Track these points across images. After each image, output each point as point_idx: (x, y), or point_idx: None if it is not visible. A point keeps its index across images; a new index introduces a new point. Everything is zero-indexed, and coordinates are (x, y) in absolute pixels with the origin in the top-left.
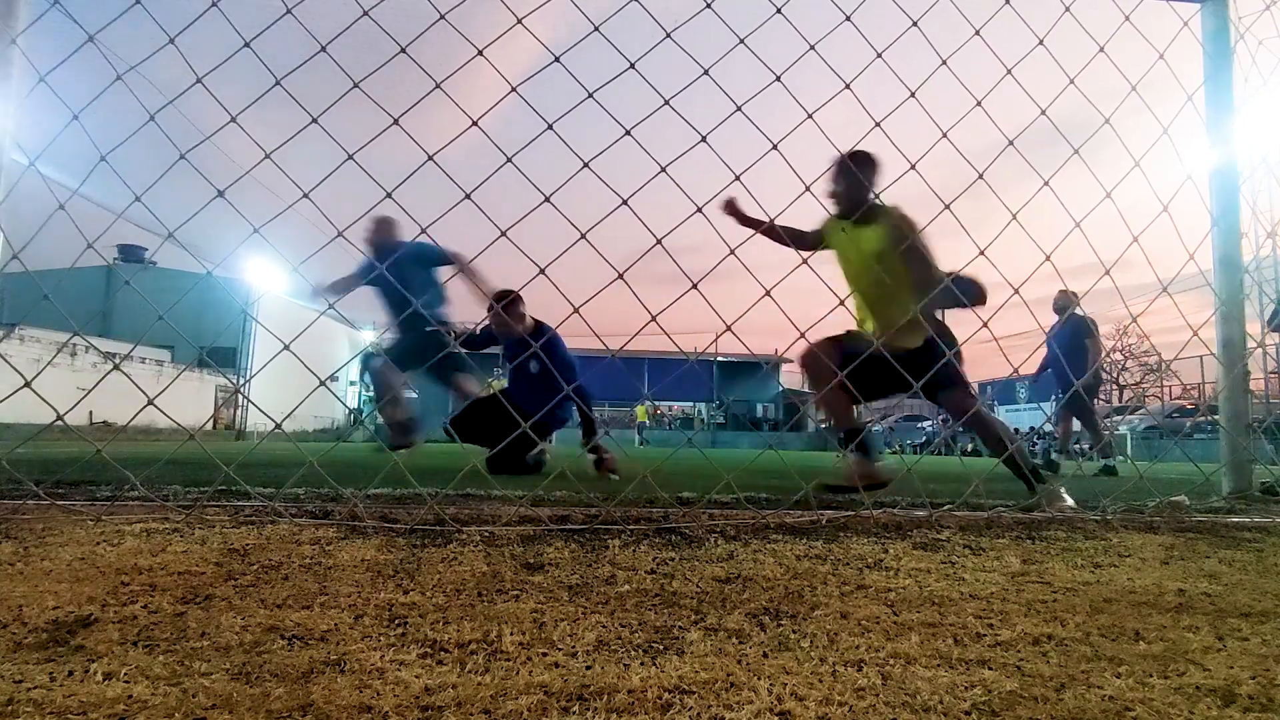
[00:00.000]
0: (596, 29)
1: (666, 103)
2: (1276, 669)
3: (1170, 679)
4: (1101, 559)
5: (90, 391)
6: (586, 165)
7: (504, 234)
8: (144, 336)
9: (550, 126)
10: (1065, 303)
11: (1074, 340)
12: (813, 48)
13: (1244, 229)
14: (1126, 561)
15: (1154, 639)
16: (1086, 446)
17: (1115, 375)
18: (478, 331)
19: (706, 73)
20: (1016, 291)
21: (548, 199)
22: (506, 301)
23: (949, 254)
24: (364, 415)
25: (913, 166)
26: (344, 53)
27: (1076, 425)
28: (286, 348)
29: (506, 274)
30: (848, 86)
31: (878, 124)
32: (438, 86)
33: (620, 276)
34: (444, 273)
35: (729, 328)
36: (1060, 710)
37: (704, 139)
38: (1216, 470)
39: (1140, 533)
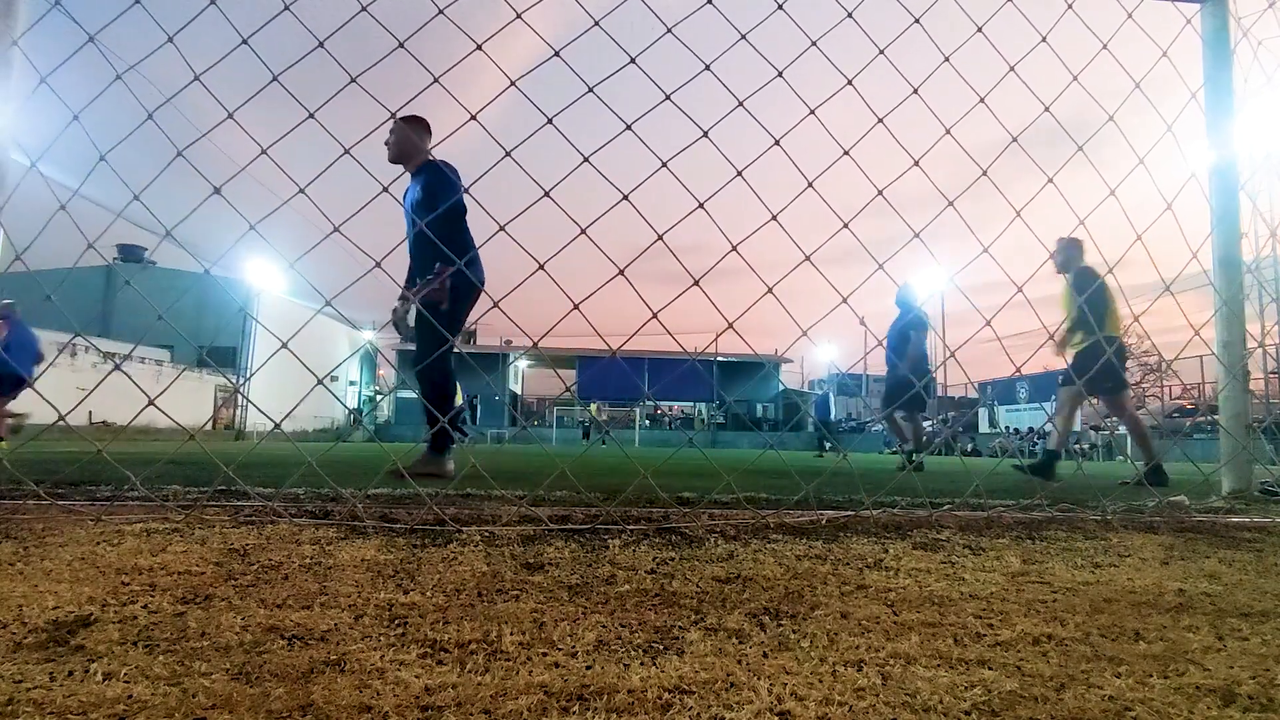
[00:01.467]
0: (597, 24)
1: (668, 97)
2: (1276, 669)
3: (1170, 679)
4: (1101, 559)
5: (91, 392)
6: (587, 160)
7: (503, 228)
8: (144, 337)
9: (550, 121)
10: (902, 296)
11: (901, 336)
12: (814, 44)
13: (1244, 229)
14: (1126, 561)
15: (1154, 639)
16: (1086, 446)
17: None
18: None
19: (708, 67)
20: (1020, 290)
21: (547, 194)
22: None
23: (952, 253)
24: (364, 415)
25: (915, 163)
26: (342, 49)
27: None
28: (285, 346)
29: (506, 271)
30: (849, 83)
31: (880, 120)
32: (436, 81)
33: (621, 273)
34: None
35: (730, 325)
36: (1060, 710)
37: (705, 134)
38: (1216, 470)
39: (1140, 533)
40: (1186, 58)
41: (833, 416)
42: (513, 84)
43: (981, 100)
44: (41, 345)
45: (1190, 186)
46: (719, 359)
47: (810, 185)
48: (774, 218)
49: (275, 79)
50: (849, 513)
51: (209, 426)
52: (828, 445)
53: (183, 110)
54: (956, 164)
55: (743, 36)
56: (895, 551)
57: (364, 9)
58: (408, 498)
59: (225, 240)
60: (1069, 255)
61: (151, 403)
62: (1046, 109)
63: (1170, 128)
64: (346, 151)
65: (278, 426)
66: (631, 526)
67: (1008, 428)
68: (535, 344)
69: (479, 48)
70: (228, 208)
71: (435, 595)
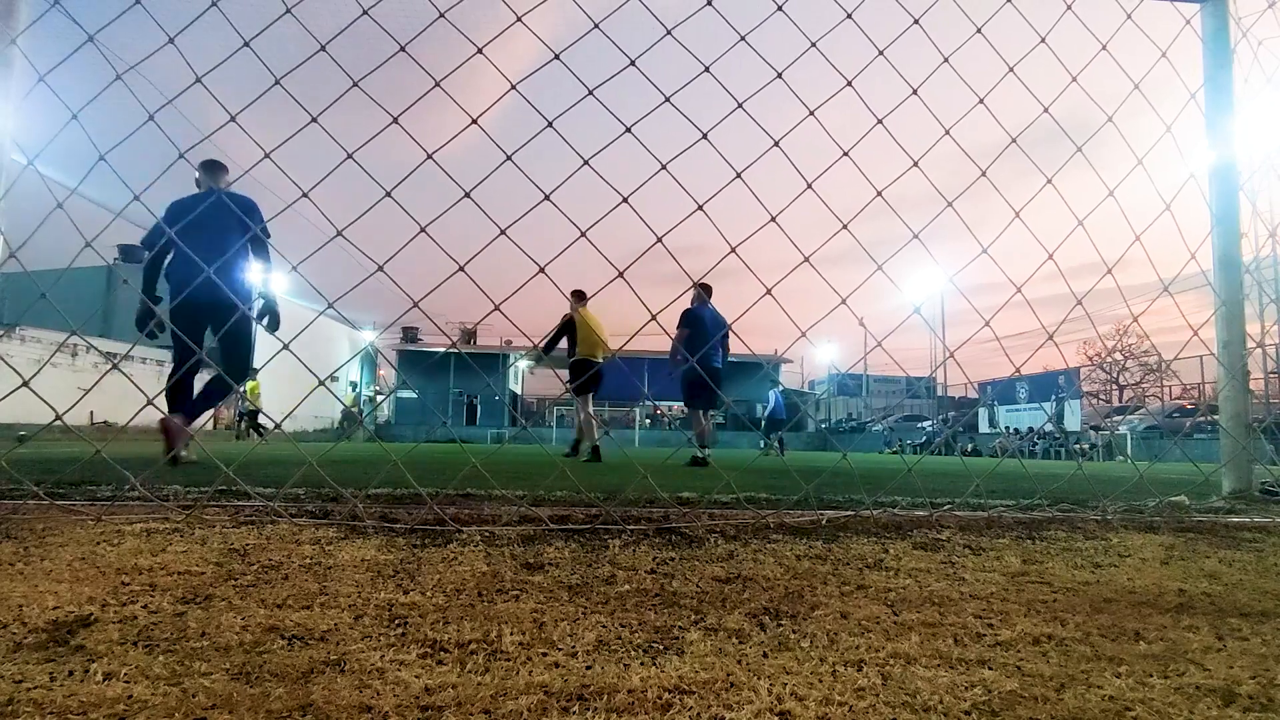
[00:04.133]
0: (596, 26)
1: (667, 99)
2: (1276, 669)
3: (1170, 679)
4: (1101, 559)
5: (89, 391)
6: (586, 163)
7: (503, 232)
8: (141, 336)
9: (550, 124)
10: (697, 295)
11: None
12: (814, 45)
13: (1244, 229)
14: (1126, 561)
15: (1154, 639)
16: (1086, 446)
17: (1115, 375)
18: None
19: (707, 69)
20: (1019, 290)
21: (547, 196)
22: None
23: (951, 253)
24: (364, 415)
25: (915, 164)
26: (344, 52)
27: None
28: (285, 347)
29: (506, 272)
30: (849, 84)
31: (879, 121)
32: (437, 85)
33: (620, 275)
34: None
35: (729, 327)
36: (1060, 710)
37: (704, 136)
38: (1216, 470)
39: (1140, 533)
40: (1186, 57)
41: (782, 415)
42: (513, 87)
43: (980, 101)
44: None
45: (1189, 187)
46: None
47: (809, 186)
48: (773, 219)
49: (278, 82)
50: (849, 513)
51: (210, 426)
52: (774, 444)
53: (184, 112)
54: (956, 165)
55: (742, 38)
56: (895, 551)
57: (365, 12)
58: (408, 498)
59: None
60: (571, 303)
61: (150, 402)
62: (1045, 110)
63: (1170, 128)
64: (350, 156)
65: (278, 426)
66: (631, 526)
67: (1008, 428)
68: (535, 345)
69: (480, 51)
70: None
71: (435, 595)
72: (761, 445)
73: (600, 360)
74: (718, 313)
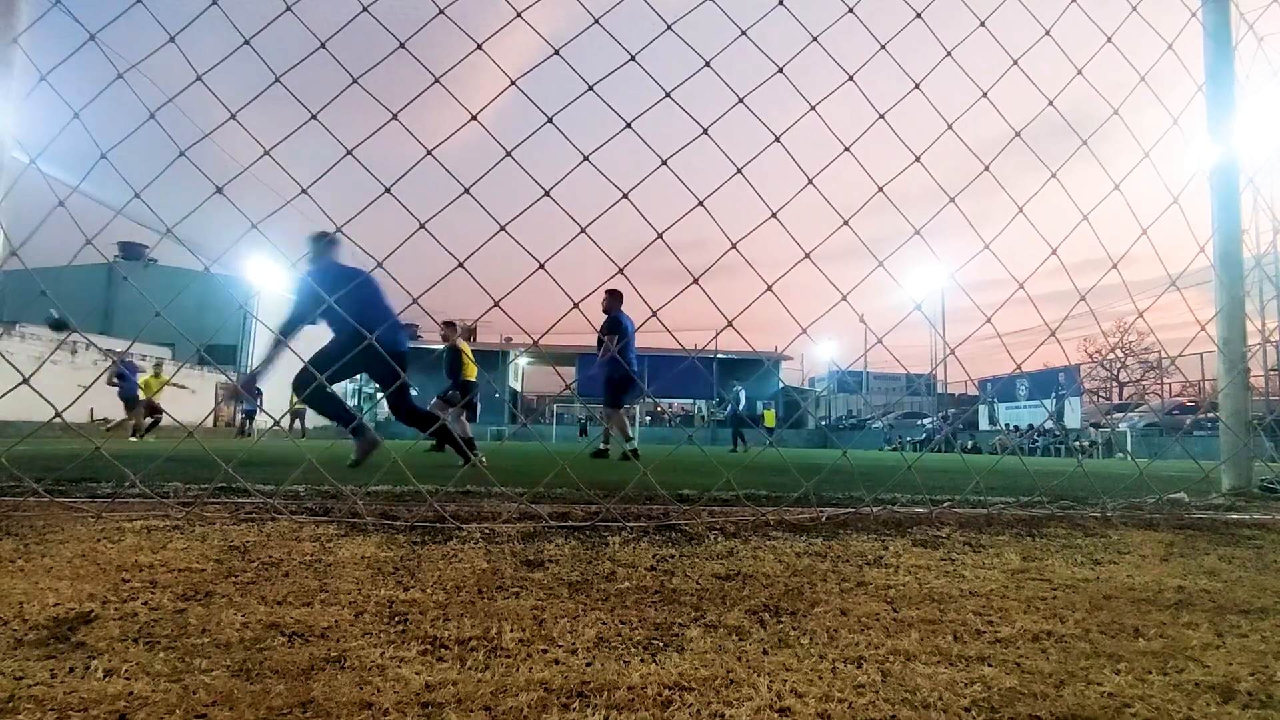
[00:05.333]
0: (596, 21)
1: (668, 95)
2: (1275, 665)
3: (1169, 675)
4: (1101, 556)
5: (88, 389)
6: (586, 159)
7: (503, 228)
8: (140, 333)
9: (550, 120)
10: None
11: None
12: (815, 39)
13: (1245, 226)
14: (1126, 558)
15: (1153, 636)
16: (1086, 443)
17: (1115, 372)
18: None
19: (708, 64)
20: (1021, 286)
21: (547, 193)
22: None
23: (953, 249)
24: (363, 413)
25: (917, 159)
26: (344, 51)
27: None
28: (284, 344)
29: (506, 269)
30: (850, 79)
31: (881, 116)
32: (437, 81)
33: (620, 271)
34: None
35: (730, 323)
36: (1060, 707)
37: (705, 131)
38: (1216, 467)
39: (1140, 530)
40: (1187, 53)
41: (745, 412)
42: (513, 83)
43: (984, 95)
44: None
45: (1192, 183)
46: (719, 356)
47: (810, 182)
48: (774, 215)
49: (278, 79)
50: (849, 510)
51: (210, 424)
52: (743, 442)
53: (185, 110)
54: (958, 160)
55: (743, 33)
56: (895, 549)
57: (365, 9)
58: (408, 495)
59: (228, 239)
60: (453, 336)
61: (146, 401)
62: (1050, 103)
63: (1176, 121)
64: (349, 153)
65: (277, 424)
66: (631, 524)
67: (1008, 425)
68: (535, 342)
69: (479, 47)
70: (230, 207)
71: (435, 592)
72: (745, 445)
73: (475, 381)
74: (626, 314)
